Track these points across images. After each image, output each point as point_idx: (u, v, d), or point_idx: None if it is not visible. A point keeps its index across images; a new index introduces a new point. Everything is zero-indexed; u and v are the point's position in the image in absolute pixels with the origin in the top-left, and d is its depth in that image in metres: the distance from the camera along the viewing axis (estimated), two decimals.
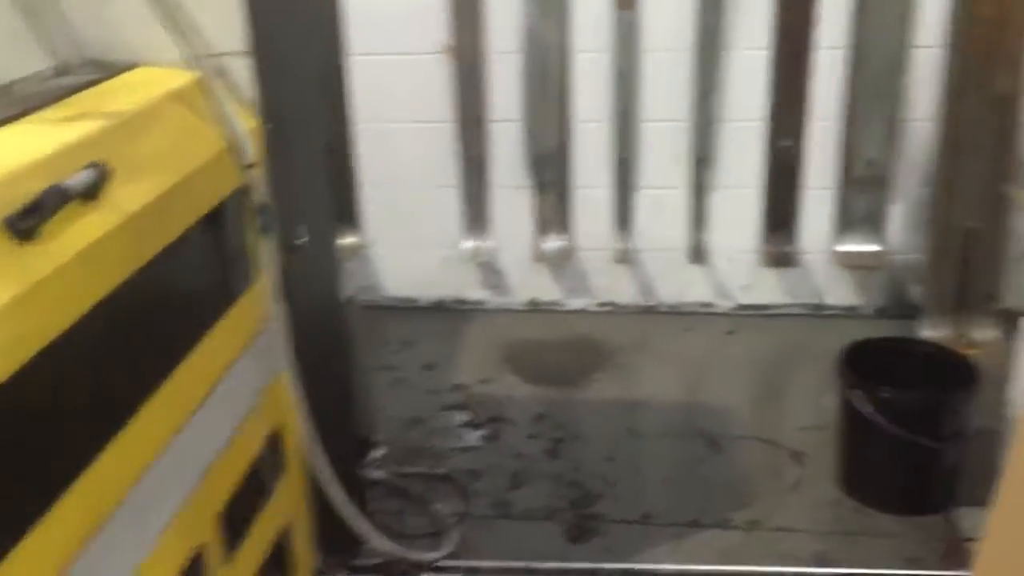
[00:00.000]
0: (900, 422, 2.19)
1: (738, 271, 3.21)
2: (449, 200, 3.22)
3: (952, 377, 2.25)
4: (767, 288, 3.22)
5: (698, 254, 3.19)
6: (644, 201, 3.17)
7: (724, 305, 3.27)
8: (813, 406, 2.69)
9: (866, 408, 2.23)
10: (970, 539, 2.16)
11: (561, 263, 3.27)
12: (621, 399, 2.87)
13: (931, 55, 2.86)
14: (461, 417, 2.77)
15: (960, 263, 2.96)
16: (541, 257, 3.26)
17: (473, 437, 2.68)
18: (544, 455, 2.59)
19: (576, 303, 3.34)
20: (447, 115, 3.11)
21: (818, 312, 3.22)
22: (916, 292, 3.10)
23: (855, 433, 2.35)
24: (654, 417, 2.79)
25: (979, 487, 2.28)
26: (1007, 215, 2.90)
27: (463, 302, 3.37)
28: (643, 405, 2.85)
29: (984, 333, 2.96)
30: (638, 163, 3.12)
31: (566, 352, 3.14)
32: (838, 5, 2.86)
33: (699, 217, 3.16)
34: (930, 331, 2.99)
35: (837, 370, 2.34)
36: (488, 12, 2.99)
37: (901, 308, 3.13)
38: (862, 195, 3.05)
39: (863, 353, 2.34)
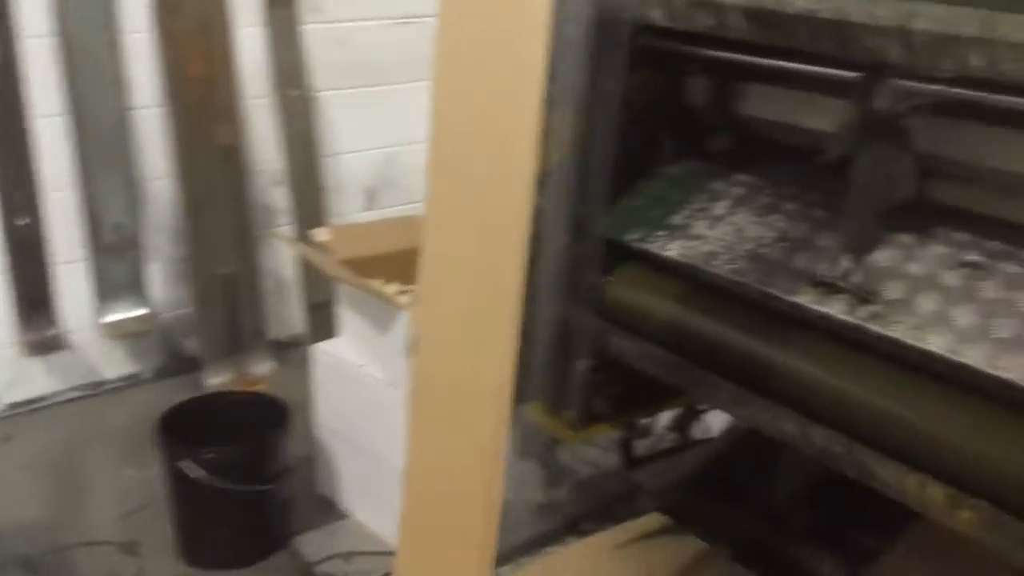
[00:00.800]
0: (229, 477, 2.21)
1: None
2: None
3: (265, 418, 2.34)
4: (37, 380, 2.92)
5: None
6: None
7: None
8: (127, 488, 2.55)
9: (194, 473, 2.19)
10: (317, 561, 2.30)
11: None
12: None
13: (152, 114, 2.89)
14: None
15: (225, 308, 3.08)
16: None
17: None
18: None
19: None
20: None
21: (100, 390, 3.03)
22: (192, 344, 3.13)
23: (187, 501, 2.29)
24: None
25: (310, 511, 2.45)
26: (258, 256, 3.11)
27: None
28: None
29: (262, 367, 3.14)
30: None
31: None
32: (45, 70, 2.70)
33: None
34: (214, 378, 3.05)
35: (156, 443, 2.26)
36: None
37: (182, 364, 3.13)
38: (118, 261, 2.95)
39: (177, 420, 2.29)
